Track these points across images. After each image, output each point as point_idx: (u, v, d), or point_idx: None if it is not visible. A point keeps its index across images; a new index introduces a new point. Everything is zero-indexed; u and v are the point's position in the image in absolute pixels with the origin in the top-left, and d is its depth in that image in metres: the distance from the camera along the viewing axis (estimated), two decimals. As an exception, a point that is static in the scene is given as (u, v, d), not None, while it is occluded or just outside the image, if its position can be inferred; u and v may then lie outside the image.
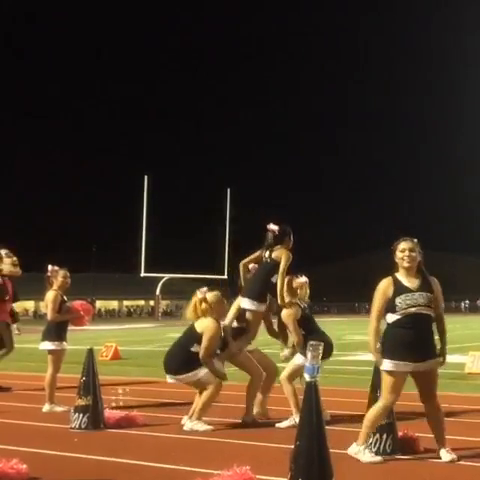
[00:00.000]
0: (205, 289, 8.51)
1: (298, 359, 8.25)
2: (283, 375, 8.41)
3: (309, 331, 8.32)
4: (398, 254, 6.57)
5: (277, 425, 8.25)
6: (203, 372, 8.17)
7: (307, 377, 5.38)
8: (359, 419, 7.25)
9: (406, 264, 6.52)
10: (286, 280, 8.55)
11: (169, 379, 8.40)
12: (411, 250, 6.53)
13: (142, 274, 60.42)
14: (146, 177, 58.27)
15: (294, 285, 8.55)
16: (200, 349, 8.13)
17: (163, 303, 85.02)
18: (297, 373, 8.32)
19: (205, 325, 8.21)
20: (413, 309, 6.42)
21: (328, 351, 8.02)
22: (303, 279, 8.66)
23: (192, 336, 8.26)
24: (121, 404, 10.23)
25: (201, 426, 8.10)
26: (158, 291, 69.20)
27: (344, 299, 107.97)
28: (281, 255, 8.66)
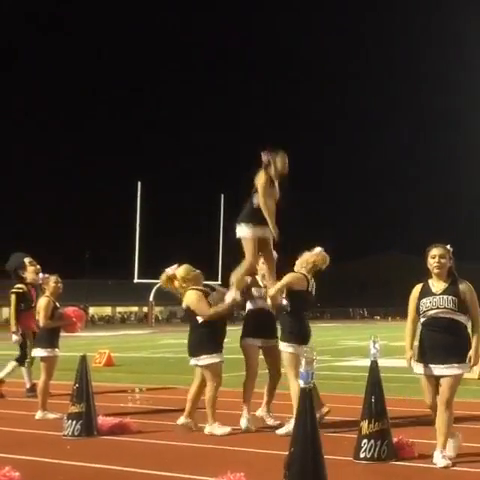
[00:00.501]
0: (175, 266, 8.53)
1: (285, 348, 7.99)
2: (287, 372, 8.04)
3: (295, 309, 8.03)
4: (429, 260, 6.78)
5: (277, 432, 8.11)
6: (216, 361, 8.14)
7: (302, 383, 5.35)
8: (354, 425, 7.24)
9: (435, 270, 6.74)
10: (303, 257, 8.18)
11: (192, 361, 8.33)
12: (441, 256, 6.73)
13: (135, 280, 60.36)
14: (139, 183, 58.34)
15: (309, 260, 8.15)
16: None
17: (156, 309, 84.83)
18: (295, 361, 7.80)
19: (186, 300, 8.34)
20: (431, 312, 6.62)
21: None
22: (317, 250, 8.24)
23: (188, 313, 8.40)
24: (138, 403, 10.34)
25: (219, 429, 8.10)
26: (151, 297, 69.13)
27: (339, 304, 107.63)
28: (258, 178, 8.17)
